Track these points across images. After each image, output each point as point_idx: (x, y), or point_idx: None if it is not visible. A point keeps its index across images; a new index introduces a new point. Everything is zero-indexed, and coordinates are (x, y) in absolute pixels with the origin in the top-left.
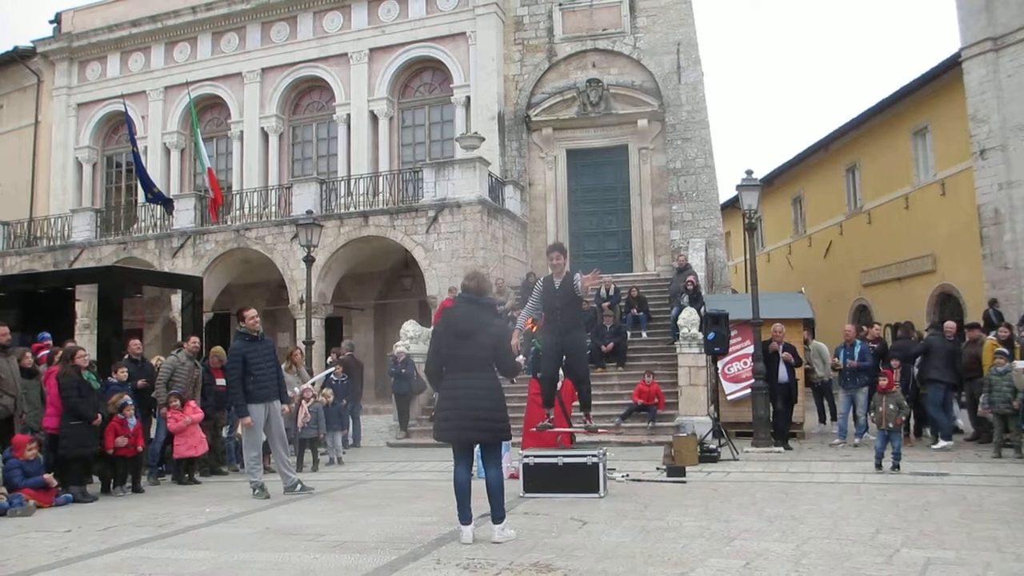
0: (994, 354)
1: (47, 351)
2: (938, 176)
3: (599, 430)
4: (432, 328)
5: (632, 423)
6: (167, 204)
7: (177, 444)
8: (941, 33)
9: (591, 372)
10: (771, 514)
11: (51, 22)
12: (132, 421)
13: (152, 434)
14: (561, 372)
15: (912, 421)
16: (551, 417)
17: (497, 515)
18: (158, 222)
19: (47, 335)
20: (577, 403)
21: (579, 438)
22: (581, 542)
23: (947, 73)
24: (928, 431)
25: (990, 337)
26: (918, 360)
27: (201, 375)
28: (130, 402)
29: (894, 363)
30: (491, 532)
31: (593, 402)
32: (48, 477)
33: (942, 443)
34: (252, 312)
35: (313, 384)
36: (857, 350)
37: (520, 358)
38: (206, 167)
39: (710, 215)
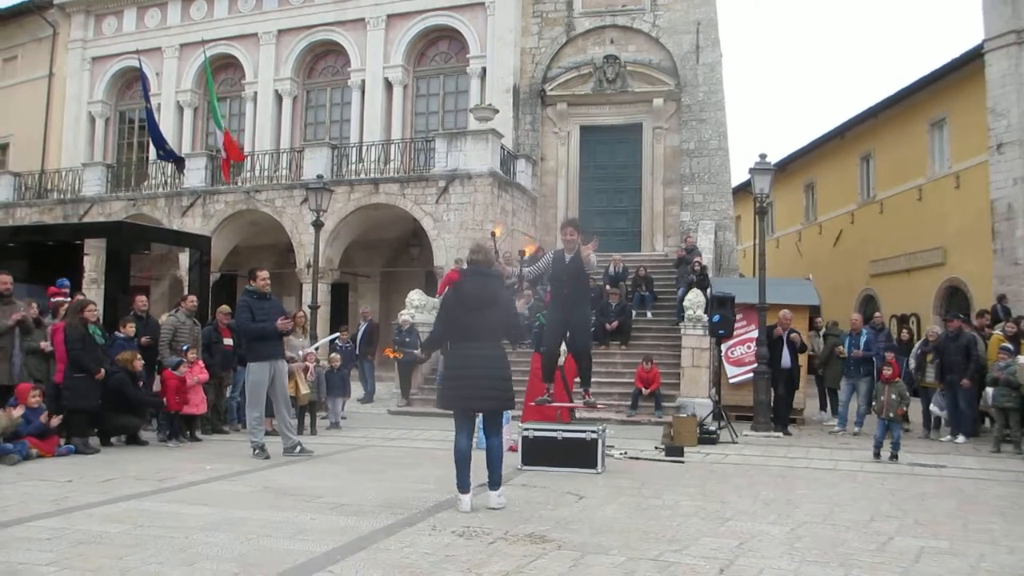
0: (998, 349)
1: (62, 299)
2: (953, 169)
3: (598, 406)
4: (440, 299)
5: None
6: (178, 162)
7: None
8: (964, 24)
9: (595, 349)
10: (767, 497)
11: None
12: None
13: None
14: (564, 347)
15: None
16: (550, 392)
17: (495, 481)
18: (169, 180)
19: (66, 281)
20: (578, 379)
21: (580, 414)
22: (576, 515)
23: (968, 65)
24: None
25: (996, 332)
26: (915, 355)
27: (201, 333)
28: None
29: (888, 355)
30: (488, 498)
31: (597, 379)
32: (49, 417)
33: (962, 438)
34: (264, 274)
35: (316, 349)
36: (863, 339)
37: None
38: (222, 128)
39: (721, 198)
